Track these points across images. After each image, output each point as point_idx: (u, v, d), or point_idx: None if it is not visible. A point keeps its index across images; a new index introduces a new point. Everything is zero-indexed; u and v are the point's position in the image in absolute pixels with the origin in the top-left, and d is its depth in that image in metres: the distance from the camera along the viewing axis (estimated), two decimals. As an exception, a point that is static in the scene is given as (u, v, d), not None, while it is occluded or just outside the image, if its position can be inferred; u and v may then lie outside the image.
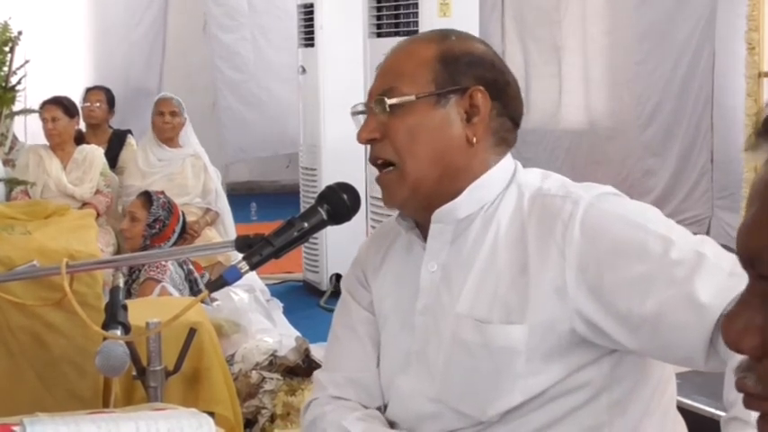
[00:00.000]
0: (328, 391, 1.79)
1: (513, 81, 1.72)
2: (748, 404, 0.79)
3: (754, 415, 1.32)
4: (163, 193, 4.97)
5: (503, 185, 1.68)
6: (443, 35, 1.73)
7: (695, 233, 1.59)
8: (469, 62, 1.68)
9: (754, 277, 0.76)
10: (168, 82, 10.02)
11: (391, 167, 1.68)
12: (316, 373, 1.88)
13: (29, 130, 7.49)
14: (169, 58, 10.84)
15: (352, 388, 1.78)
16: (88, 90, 6.95)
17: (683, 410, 1.79)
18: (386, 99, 1.65)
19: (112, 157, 6.48)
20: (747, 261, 0.76)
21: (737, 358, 1.36)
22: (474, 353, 1.62)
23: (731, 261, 1.50)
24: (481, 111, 1.66)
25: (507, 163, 1.71)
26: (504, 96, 1.69)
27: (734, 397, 1.38)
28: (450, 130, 1.66)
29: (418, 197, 1.67)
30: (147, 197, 4.83)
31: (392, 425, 1.75)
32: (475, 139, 1.66)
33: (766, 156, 0.77)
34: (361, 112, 1.73)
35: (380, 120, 1.67)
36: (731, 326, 0.77)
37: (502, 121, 1.69)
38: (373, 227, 5.59)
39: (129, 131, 6.98)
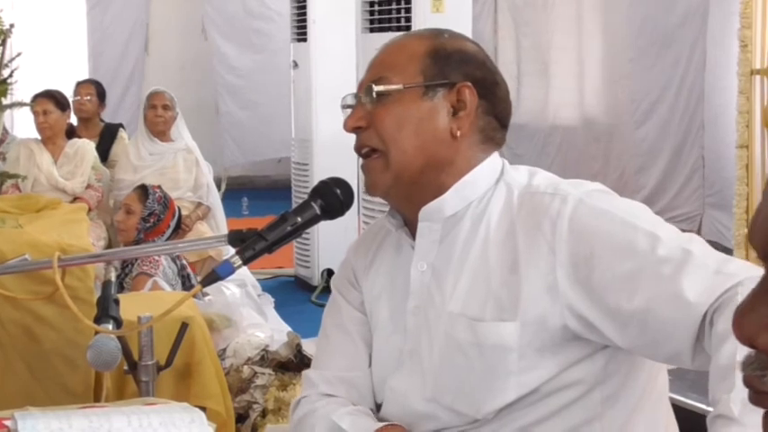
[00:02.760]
0: (319, 388, 1.79)
1: (502, 82, 1.74)
2: (758, 401, 0.76)
3: (738, 411, 1.33)
4: (159, 187, 4.96)
5: (490, 183, 1.69)
6: (436, 33, 1.75)
7: (686, 230, 1.60)
8: (460, 59, 1.69)
9: None
10: (157, 79, 10.02)
11: (376, 154, 1.69)
12: (305, 371, 1.88)
13: (15, 123, 7.48)
14: (165, 61, 10.84)
15: (343, 386, 1.78)
16: (78, 83, 6.92)
17: (674, 406, 1.79)
18: (374, 86, 1.67)
19: (104, 151, 6.46)
20: (765, 253, 0.75)
21: (723, 356, 1.37)
22: (467, 352, 1.62)
23: (718, 259, 1.52)
24: (468, 106, 1.67)
25: (494, 161, 1.72)
26: (491, 96, 1.70)
27: (719, 395, 1.39)
28: (435, 122, 1.67)
29: (401, 185, 1.68)
30: (143, 190, 4.82)
31: None
32: (459, 133, 1.67)
33: None
34: (350, 106, 1.74)
35: (367, 109, 1.68)
36: (745, 320, 0.74)
37: (488, 120, 1.70)
38: (365, 222, 5.60)
39: (121, 125, 6.96)
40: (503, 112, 1.73)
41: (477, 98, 1.67)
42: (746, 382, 0.76)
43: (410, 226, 1.74)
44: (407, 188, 1.68)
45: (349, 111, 1.75)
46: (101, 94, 6.80)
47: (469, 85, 1.67)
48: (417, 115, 1.67)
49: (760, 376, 0.74)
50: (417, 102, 1.67)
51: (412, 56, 1.69)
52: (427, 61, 1.68)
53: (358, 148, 1.72)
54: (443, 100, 1.67)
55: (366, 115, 1.68)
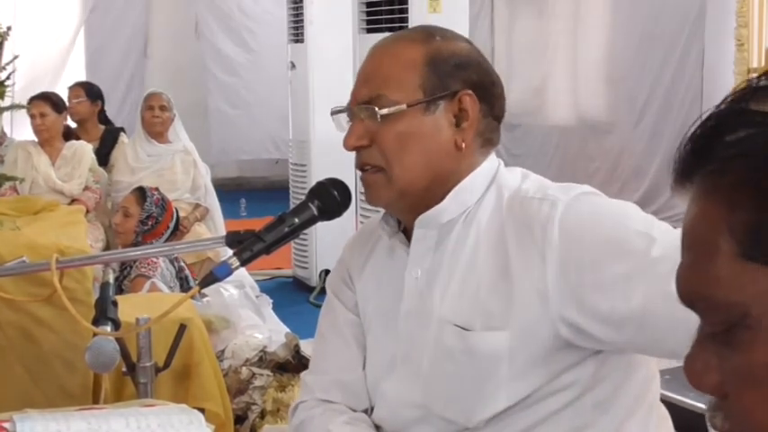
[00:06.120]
0: (315, 394, 1.78)
1: (497, 79, 1.70)
2: None
3: None
4: (157, 189, 4.95)
5: (485, 187, 1.67)
6: (427, 34, 1.69)
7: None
8: (457, 64, 1.64)
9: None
10: (157, 82, 10.03)
11: (376, 169, 1.66)
12: (303, 375, 1.88)
13: (14, 126, 7.47)
14: (159, 59, 10.84)
15: (338, 390, 1.77)
16: (69, 88, 6.89)
17: (670, 405, 1.79)
18: (376, 109, 1.61)
19: (105, 155, 6.44)
20: (687, 304, 0.79)
21: None
22: (457, 359, 1.60)
23: None
24: (470, 115, 1.63)
25: (490, 164, 1.69)
26: (490, 97, 1.67)
27: None
28: (439, 137, 1.63)
29: (405, 200, 1.66)
30: (140, 193, 4.82)
31: (378, 428, 1.74)
32: (464, 145, 1.64)
33: (690, 194, 0.77)
34: (342, 111, 1.70)
35: (367, 126, 1.64)
36: (691, 367, 0.78)
37: (487, 122, 1.67)
38: (363, 223, 5.60)
39: (122, 129, 6.94)
40: (500, 110, 1.70)
41: (478, 103, 1.64)
42: (709, 425, 0.79)
43: (405, 231, 1.73)
44: (411, 201, 1.66)
45: (340, 116, 1.71)
46: (91, 93, 6.74)
47: (470, 92, 1.63)
48: (421, 132, 1.62)
49: (711, 417, 0.78)
50: (420, 118, 1.62)
51: (407, 66, 1.63)
52: (425, 72, 1.62)
53: (360, 166, 1.68)
54: (445, 112, 1.63)
55: (366, 133, 1.64)
